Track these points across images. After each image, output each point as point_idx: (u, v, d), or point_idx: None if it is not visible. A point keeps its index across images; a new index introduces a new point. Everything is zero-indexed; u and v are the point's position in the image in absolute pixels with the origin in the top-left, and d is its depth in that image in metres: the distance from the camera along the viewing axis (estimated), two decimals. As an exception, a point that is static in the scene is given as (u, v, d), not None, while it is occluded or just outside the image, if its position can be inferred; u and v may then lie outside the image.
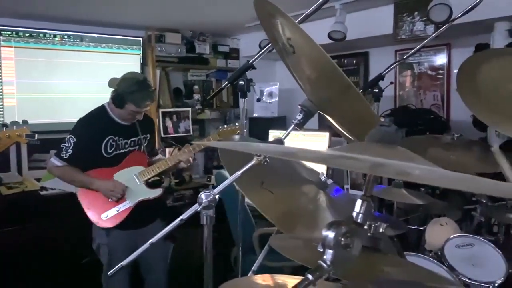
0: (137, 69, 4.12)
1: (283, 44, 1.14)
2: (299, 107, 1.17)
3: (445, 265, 1.91)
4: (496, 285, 1.87)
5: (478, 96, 2.07)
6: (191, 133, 4.35)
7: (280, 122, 4.35)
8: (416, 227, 2.70)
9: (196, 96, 4.48)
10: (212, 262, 1.15)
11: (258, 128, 4.34)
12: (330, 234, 0.62)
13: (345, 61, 4.45)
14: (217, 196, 1.13)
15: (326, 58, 0.95)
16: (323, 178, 1.39)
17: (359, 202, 0.66)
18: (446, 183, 0.48)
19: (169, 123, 4.22)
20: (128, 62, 4.17)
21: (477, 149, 2.24)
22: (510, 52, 2.37)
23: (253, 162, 1.12)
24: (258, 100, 1.94)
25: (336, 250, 0.62)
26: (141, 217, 2.56)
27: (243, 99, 1.72)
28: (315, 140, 3.71)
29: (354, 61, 4.36)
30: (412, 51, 2.05)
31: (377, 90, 2.15)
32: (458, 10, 2.18)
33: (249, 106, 4.62)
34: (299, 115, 1.16)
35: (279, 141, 1.13)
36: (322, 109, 1.15)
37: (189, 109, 4.34)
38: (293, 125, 1.16)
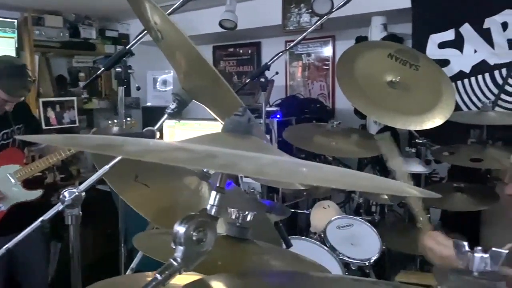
0: (12, 54, 3.70)
1: (152, 29, 1.08)
2: (172, 95, 1.12)
3: (326, 246, 2.02)
4: (371, 261, 2.03)
5: (355, 86, 2.20)
6: (77, 124, 4.05)
7: (176, 111, 4.25)
8: (304, 211, 2.83)
9: (82, 84, 4.18)
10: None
11: (153, 118, 4.17)
12: (181, 230, 0.59)
13: (240, 51, 4.48)
14: (83, 194, 1.04)
15: (193, 48, 0.91)
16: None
17: (213, 194, 0.64)
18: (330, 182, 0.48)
19: (51, 114, 3.88)
20: (0, 46, 3.73)
21: (356, 136, 2.40)
22: (383, 45, 2.56)
23: (122, 154, 1.05)
24: (138, 88, 1.84)
25: (187, 246, 0.59)
26: (17, 220, 2.27)
27: (121, 87, 1.62)
28: (211, 130, 3.67)
29: (249, 51, 4.41)
30: (293, 43, 2.12)
31: (263, 80, 2.17)
32: (340, 3, 2.28)
33: (143, 95, 4.45)
34: (173, 104, 1.12)
35: (151, 132, 1.07)
36: (196, 98, 1.11)
37: (74, 98, 4.03)
38: (166, 115, 1.11)
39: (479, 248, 0.46)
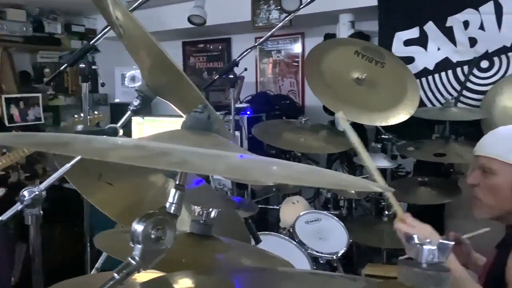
0: (-28, 49, 3.57)
1: (115, 25, 1.06)
2: (136, 92, 1.11)
3: (295, 241, 2.04)
4: (339, 254, 2.06)
5: (323, 83, 2.23)
6: (43, 121, 3.94)
7: (139, 108, 4.18)
8: (275, 206, 2.84)
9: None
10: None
11: (121, 115, 4.10)
12: (139, 228, 0.59)
13: (210, 47, 4.45)
14: (43, 193, 1.02)
15: (156, 45, 0.90)
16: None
17: (172, 191, 0.64)
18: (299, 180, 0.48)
19: (15, 111, 3.76)
20: (-41, 40, 3.59)
21: (324, 132, 2.43)
22: (349, 43, 2.60)
23: (84, 152, 1.03)
24: (103, 84, 1.81)
25: (145, 244, 0.59)
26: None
27: (85, 83, 1.58)
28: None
29: (219, 47, 4.38)
30: (262, 39, 2.13)
31: (232, 76, 2.17)
32: (308, 0, 2.29)
33: (111, 91, 4.37)
34: (136, 101, 1.10)
35: (113, 130, 1.05)
36: (160, 94, 1.10)
37: (39, 94, 3.91)
38: (129, 112, 1.10)
39: (428, 240, 0.48)
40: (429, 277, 0.45)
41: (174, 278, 0.68)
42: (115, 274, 0.57)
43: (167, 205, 0.63)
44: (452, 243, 0.48)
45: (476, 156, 1.35)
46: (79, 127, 1.69)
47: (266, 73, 3.97)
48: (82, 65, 1.54)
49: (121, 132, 1.07)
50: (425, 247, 0.47)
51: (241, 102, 3.44)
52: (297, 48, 3.76)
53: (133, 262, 0.58)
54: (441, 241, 0.47)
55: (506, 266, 1.10)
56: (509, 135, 1.30)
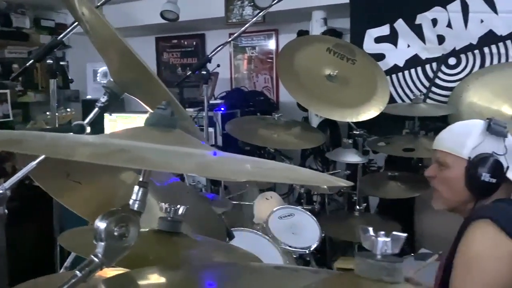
0: None
1: (81, 20, 1.05)
2: (103, 88, 1.09)
3: (269, 236, 2.05)
4: (311, 249, 2.09)
5: (295, 79, 2.26)
6: (12, 118, 3.84)
7: (117, 105, 4.13)
8: (250, 202, 2.85)
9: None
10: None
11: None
12: (101, 225, 0.59)
13: (184, 42, 4.41)
14: (8, 192, 1.00)
15: (122, 42, 0.89)
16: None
17: (136, 189, 0.64)
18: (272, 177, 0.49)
19: (-19, 108, 3.65)
20: None
21: (298, 128, 2.46)
22: (321, 40, 2.63)
23: (50, 150, 1.01)
24: (71, 81, 1.78)
25: (108, 241, 0.59)
26: None
27: (53, 79, 1.55)
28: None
29: (193, 43, 4.36)
30: (234, 35, 2.13)
31: (204, 73, 2.16)
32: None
33: (83, 88, 4.29)
34: (103, 97, 1.08)
35: (80, 127, 1.04)
36: (127, 91, 1.09)
37: (7, 91, 3.81)
38: (96, 108, 1.08)
39: (382, 232, 0.50)
40: (383, 267, 0.47)
41: (139, 274, 0.68)
42: (77, 272, 0.57)
43: (131, 202, 0.63)
44: (405, 234, 0.50)
45: (434, 150, 1.41)
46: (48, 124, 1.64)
47: (240, 69, 3.96)
48: (49, 61, 1.51)
49: (88, 129, 1.06)
50: (379, 239, 0.49)
51: (215, 99, 3.43)
52: (271, 44, 3.77)
53: (96, 259, 0.58)
54: (394, 233, 0.49)
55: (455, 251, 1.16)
56: (463, 131, 1.36)
